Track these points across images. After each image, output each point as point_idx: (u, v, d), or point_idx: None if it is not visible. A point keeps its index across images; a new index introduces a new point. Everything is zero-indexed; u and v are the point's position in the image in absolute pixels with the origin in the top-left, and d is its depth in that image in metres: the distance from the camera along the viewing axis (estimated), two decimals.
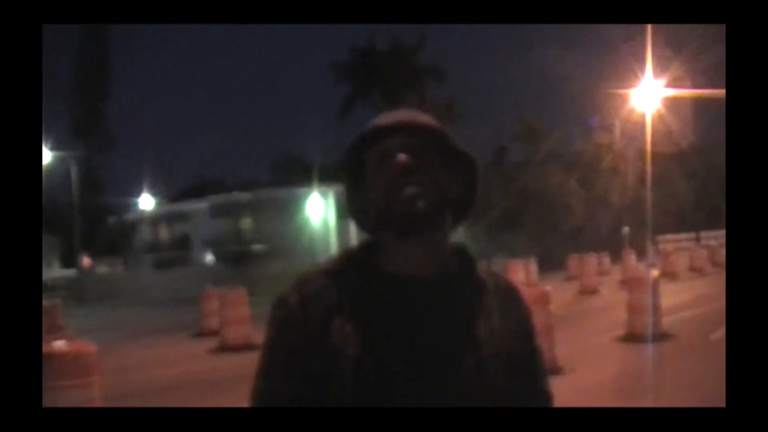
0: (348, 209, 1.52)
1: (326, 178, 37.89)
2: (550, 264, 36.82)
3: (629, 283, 13.11)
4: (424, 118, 1.47)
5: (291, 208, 39.30)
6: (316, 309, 1.37)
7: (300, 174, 46.92)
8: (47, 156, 38.52)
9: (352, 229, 30.37)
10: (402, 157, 1.38)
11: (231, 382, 10.03)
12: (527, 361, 1.47)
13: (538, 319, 6.85)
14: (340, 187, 1.55)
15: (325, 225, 39.35)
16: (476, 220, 48.70)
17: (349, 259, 1.46)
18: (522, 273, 22.64)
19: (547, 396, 1.51)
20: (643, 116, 36.79)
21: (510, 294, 1.50)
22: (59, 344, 6.02)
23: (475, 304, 1.42)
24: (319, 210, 39.07)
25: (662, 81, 33.17)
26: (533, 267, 26.94)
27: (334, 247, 36.34)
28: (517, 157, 46.74)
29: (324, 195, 39.54)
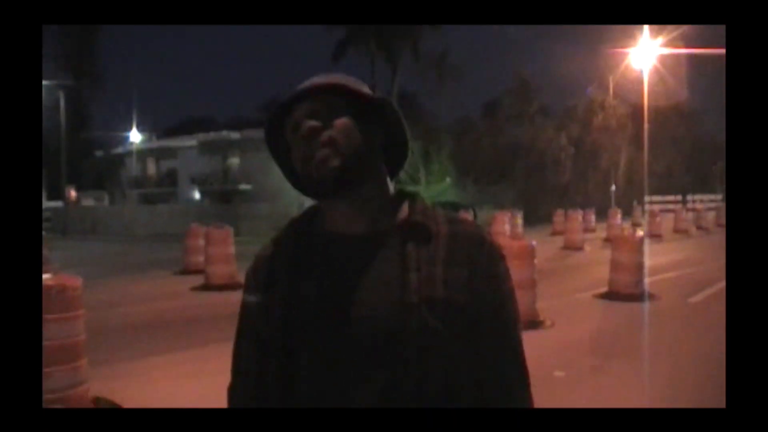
0: (288, 180, 1.52)
1: None
2: (536, 218, 37.05)
3: (614, 242, 13.12)
4: (335, 78, 1.44)
5: None
6: (264, 275, 1.45)
7: None
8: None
9: None
10: (306, 123, 1.39)
11: (212, 320, 10.05)
12: (489, 310, 1.39)
13: (522, 273, 6.90)
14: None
15: None
16: (465, 171, 48.87)
17: (291, 224, 1.50)
18: (507, 225, 22.66)
19: (518, 345, 1.44)
20: (636, 76, 36.61)
21: (469, 241, 1.42)
22: (45, 277, 5.93)
23: (409, 252, 1.37)
24: None
25: (659, 41, 32.85)
26: (519, 220, 27.01)
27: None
28: (509, 111, 46.51)
29: None
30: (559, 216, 28.96)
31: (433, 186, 59.13)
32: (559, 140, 42.91)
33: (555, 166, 42.48)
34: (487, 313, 1.39)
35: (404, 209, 1.45)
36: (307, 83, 1.44)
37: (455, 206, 37.29)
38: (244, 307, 1.49)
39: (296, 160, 1.42)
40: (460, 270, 1.38)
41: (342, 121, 1.40)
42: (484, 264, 1.41)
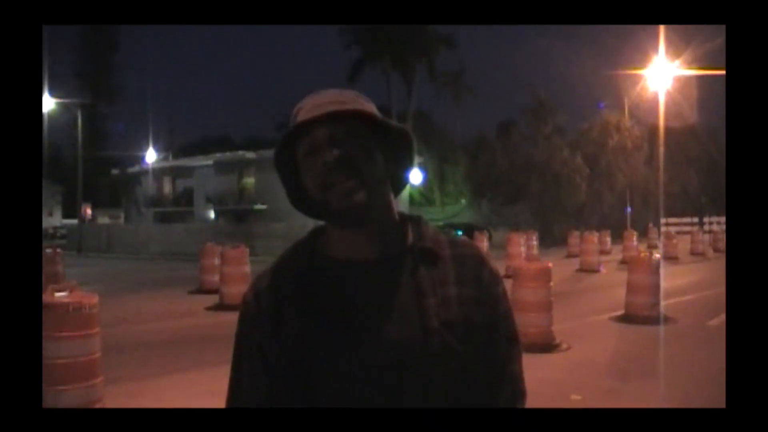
0: (288, 198, 1.51)
1: None
2: (552, 240, 36.87)
3: (630, 264, 13.04)
4: (351, 98, 1.44)
5: None
6: (268, 302, 1.42)
7: None
8: (50, 103, 38.30)
9: None
10: (331, 153, 1.36)
11: (227, 339, 9.98)
12: (491, 329, 1.44)
13: (538, 295, 6.85)
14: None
15: None
16: (479, 191, 48.79)
17: (294, 249, 1.49)
18: (523, 247, 22.53)
19: (510, 362, 1.47)
20: (651, 97, 36.53)
21: (471, 262, 1.46)
22: (61, 294, 5.94)
23: (422, 276, 1.40)
24: None
25: (675, 62, 32.84)
26: (534, 242, 26.89)
27: None
28: (524, 131, 46.47)
29: None
30: (574, 237, 28.78)
31: (448, 207, 59.07)
32: (575, 160, 42.73)
33: (570, 186, 42.27)
34: (489, 329, 1.43)
35: (411, 233, 1.47)
36: (328, 103, 1.41)
37: (470, 228, 37.18)
38: (244, 336, 1.45)
39: (312, 184, 1.40)
40: (470, 290, 1.42)
41: (366, 152, 1.40)
42: (488, 283, 1.46)
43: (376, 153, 1.42)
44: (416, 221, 1.50)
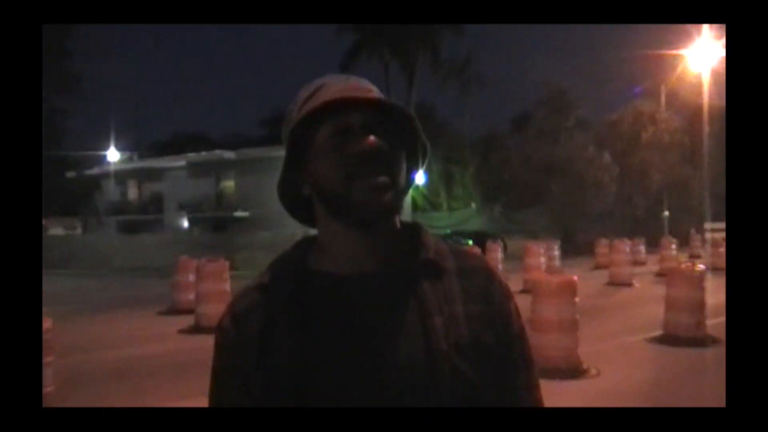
0: (281, 192, 1.51)
1: None
2: (575, 249, 36.87)
3: (668, 276, 12.97)
4: (376, 90, 1.49)
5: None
6: (252, 326, 1.42)
7: None
8: None
9: None
10: (373, 139, 1.40)
11: (204, 368, 9.89)
12: (503, 351, 1.46)
13: (562, 313, 6.76)
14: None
15: None
16: (492, 195, 48.89)
17: (281, 264, 1.50)
18: (542, 257, 22.53)
19: (527, 389, 1.50)
20: (692, 83, 36.52)
21: (478, 275, 1.50)
22: None
23: (426, 293, 1.43)
24: None
25: (721, 41, 31.73)
26: (556, 252, 26.88)
27: None
28: (542, 126, 46.56)
29: None
30: (602, 246, 28.76)
31: (456, 213, 59.14)
32: (601, 158, 42.82)
33: (597, 188, 42.35)
34: (501, 352, 1.46)
35: (412, 244, 1.50)
36: (355, 86, 1.46)
37: (481, 236, 37.31)
38: (223, 370, 1.46)
39: (332, 173, 1.42)
40: (479, 307, 1.45)
41: (397, 149, 1.45)
42: (498, 299, 1.49)
43: (403, 153, 1.46)
44: (416, 230, 1.53)
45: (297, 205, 1.52)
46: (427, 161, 1.56)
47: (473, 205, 53.80)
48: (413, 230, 1.53)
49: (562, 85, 45.70)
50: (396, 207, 1.44)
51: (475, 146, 58.53)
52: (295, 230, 31.53)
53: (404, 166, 1.46)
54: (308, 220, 1.54)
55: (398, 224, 1.50)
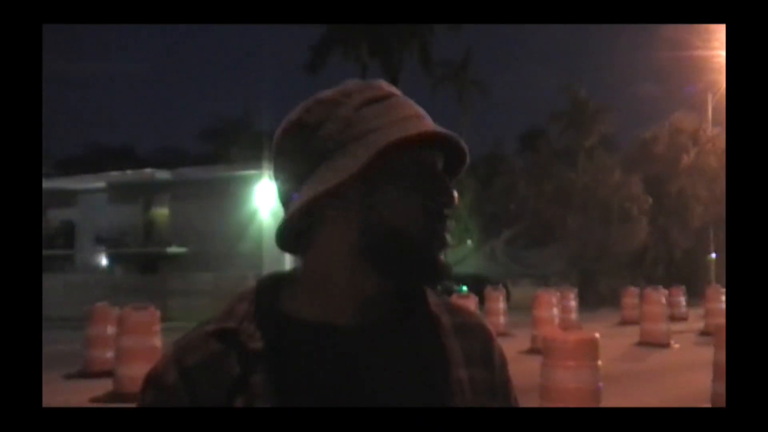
0: (300, 210, 1.47)
1: None
2: (598, 299, 37.02)
3: (716, 335, 12.99)
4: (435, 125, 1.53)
5: (229, 196, 39.03)
6: (210, 387, 1.39)
7: (244, 147, 46.63)
8: None
9: None
10: (452, 192, 1.48)
11: None
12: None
13: (580, 379, 6.79)
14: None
15: (276, 220, 39.14)
16: (493, 230, 48.91)
17: (248, 305, 1.49)
18: (555, 309, 22.55)
19: None
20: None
21: (476, 334, 1.58)
22: None
23: (431, 352, 1.49)
24: (270, 199, 38.88)
25: None
26: (572, 302, 26.93)
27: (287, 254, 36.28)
28: (557, 145, 46.94)
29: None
30: (631, 296, 28.82)
31: (447, 251, 59.12)
32: (630, 186, 43.07)
33: (624, 223, 42.54)
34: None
35: (408, 293, 1.55)
36: (421, 113, 1.51)
37: (479, 281, 37.21)
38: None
39: (413, 219, 1.45)
40: (481, 373, 1.54)
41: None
42: (499, 364, 1.59)
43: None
44: None
45: (295, 229, 1.51)
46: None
47: (469, 241, 53.73)
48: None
49: (583, 93, 46.05)
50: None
51: (473, 169, 58.64)
52: (246, 271, 31.42)
53: None
54: (294, 248, 1.54)
55: None
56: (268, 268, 30.47)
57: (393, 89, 1.54)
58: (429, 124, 1.47)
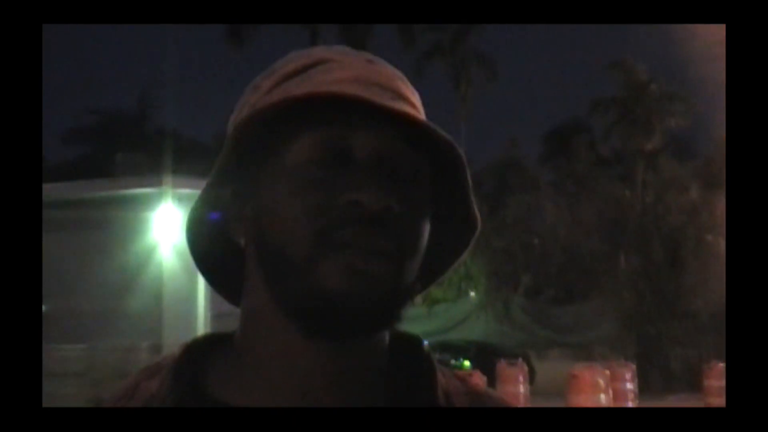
0: (192, 234, 1.64)
1: (188, 164, 37.62)
2: (668, 378, 37.00)
3: None
4: (403, 88, 1.64)
5: (112, 226, 38.70)
6: None
7: (135, 153, 46.63)
8: None
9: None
10: (384, 178, 1.51)
11: None
12: None
13: None
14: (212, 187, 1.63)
15: (187, 265, 38.16)
16: (508, 273, 48.76)
17: (156, 387, 1.60)
18: (603, 394, 22.62)
19: None
20: None
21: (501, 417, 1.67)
22: None
23: None
24: (175, 231, 38.53)
25: None
26: (628, 384, 26.99)
27: (200, 307, 35.92)
28: (601, 147, 47.10)
29: (185, 200, 38.75)
30: (718, 375, 28.88)
31: (439, 308, 59.02)
32: (713, 209, 43.16)
33: (706, 263, 42.59)
34: None
35: (407, 373, 1.64)
36: (377, 78, 1.59)
37: (487, 353, 37.49)
38: None
39: (293, 224, 1.50)
40: None
41: (423, 203, 1.57)
42: None
43: (426, 216, 1.59)
44: (415, 350, 1.68)
45: (220, 263, 1.63)
46: (472, 242, 1.69)
47: (471, 294, 53.78)
48: (410, 349, 1.66)
49: (642, 72, 46.11)
50: (397, 312, 1.53)
51: (475, 184, 58.25)
52: (137, 340, 31.31)
53: (424, 238, 1.56)
54: (234, 294, 1.64)
55: (386, 339, 1.61)
56: (170, 335, 30.49)
57: (339, 53, 1.63)
58: (345, 85, 1.52)
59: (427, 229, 1.58)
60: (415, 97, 1.67)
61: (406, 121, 1.51)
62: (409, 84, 1.66)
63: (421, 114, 1.63)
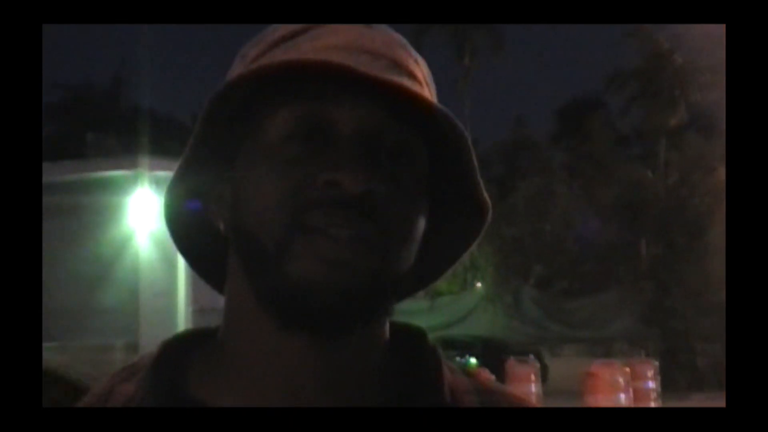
0: (169, 215, 1.67)
1: (165, 145, 37.71)
2: (693, 376, 37.07)
3: None
4: (399, 53, 1.62)
5: (83, 213, 38.84)
6: None
7: (107, 132, 46.62)
8: None
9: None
10: (367, 156, 1.50)
11: None
12: None
13: None
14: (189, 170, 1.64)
15: (166, 255, 38.32)
16: (518, 263, 48.83)
17: (132, 390, 1.62)
18: (623, 394, 22.60)
19: None
20: None
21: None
22: None
23: None
24: (152, 218, 38.71)
25: None
26: (650, 383, 26.96)
27: (180, 302, 36.09)
28: (619, 126, 47.08)
29: (164, 184, 38.89)
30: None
31: (443, 301, 59.13)
32: None
33: None
34: None
35: (410, 369, 1.64)
36: (363, 41, 1.58)
37: (495, 349, 37.75)
38: None
39: (266, 206, 1.50)
40: None
41: (418, 185, 1.57)
42: None
43: (424, 201, 1.59)
44: (419, 344, 1.69)
45: (204, 249, 1.67)
46: (482, 230, 1.70)
47: (478, 285, 53.88)
48: (413, 344, 1.68)
49: (664, 42, 46.13)
50: (382, 305, 1.54)
51: (484, 166, 58.54)
52: (111, 338, 31.40)
53: (420, 226, 1.57)
54: (218, 280, 1.67)
55: (386, 333, 1.63)
56: (147, 332, 30.68)
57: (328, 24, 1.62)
58: (330, 51, 1.53)
59: (420, 215, 1.57)
60: (418, 67, 1.64)
61: (397, 93, 1.49)
62: (412, 51, 1.65)
63: (424, 86, 1.62)
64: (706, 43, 42.41)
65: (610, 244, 44.35)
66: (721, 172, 43.39)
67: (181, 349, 1.65)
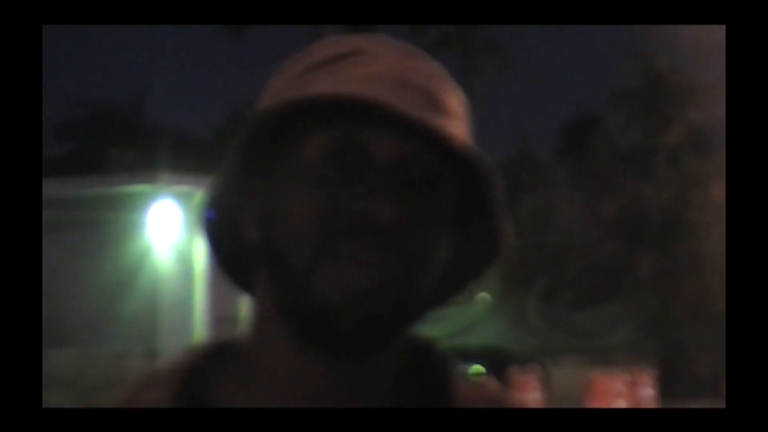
0: (209, 234, 1.66)
1: (185, 160, 37.56)
2: (692, 385, 36.99)
3: None
4: (448, 93, 1.62)
5: (103, 226, 38.70)
6: None
7: (128, 148, 46.49)
8: None
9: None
10: (394, 185, 1.50)
11: None
12: None
13: None
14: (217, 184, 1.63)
15: (184, 267, 37.99)
16: (521, 275, 48.77)
17: (156, 397, 1.60)
18: (624, 402, 22.58)
19: None
20: None
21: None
22: None
23: None
24: (172, 231, 38.42)
25: None
26: (650, 389, 26.93)
27: (197, 311, 35.85)
28: (620, 141, 47.06)
29: (182, 198, 38.62)
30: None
31: (450, 311, 58.80)
32: None
33: None
34: None
35: (425, 383, 1.64)
36: (406, 73, 1.56)
37: (499, 358, 37.65)
38: None
39: (295, 228, 1.50)
40: None
41: (438, 217, 1.54)
42: None
43: (442, 232, 1.56)
44: (431, 357, 1.67)
45: (239, 260, 1.63)
46: (497, 261, 1.67)
47: (482, 295, 53.83)
48: (426, 357, 1.66)
49: (663, 62, 46.11)
50: (400, 332, 1.53)
51: None
52: (130, 346, 31.31)
53: (443, 257, 1.56)
54: (245, 283, 1.66)
55: (402, 351, 1.61)
56: (166, 340, 30.54)
57: (377, 43, 1.61)
58: (375, 84, 1.50)
59: (444, 246, 1.57)
60: (455, 100, 1.63)
61: (429, 130, 1.48)
62: (450, 82, 1.64)
63: (458, 119, 1.61)
64: (703, 64, 42.30)
65: (611, 256, 44.26)
66: (716, 188, 43.39)
67: (205, 358, 1.64)
